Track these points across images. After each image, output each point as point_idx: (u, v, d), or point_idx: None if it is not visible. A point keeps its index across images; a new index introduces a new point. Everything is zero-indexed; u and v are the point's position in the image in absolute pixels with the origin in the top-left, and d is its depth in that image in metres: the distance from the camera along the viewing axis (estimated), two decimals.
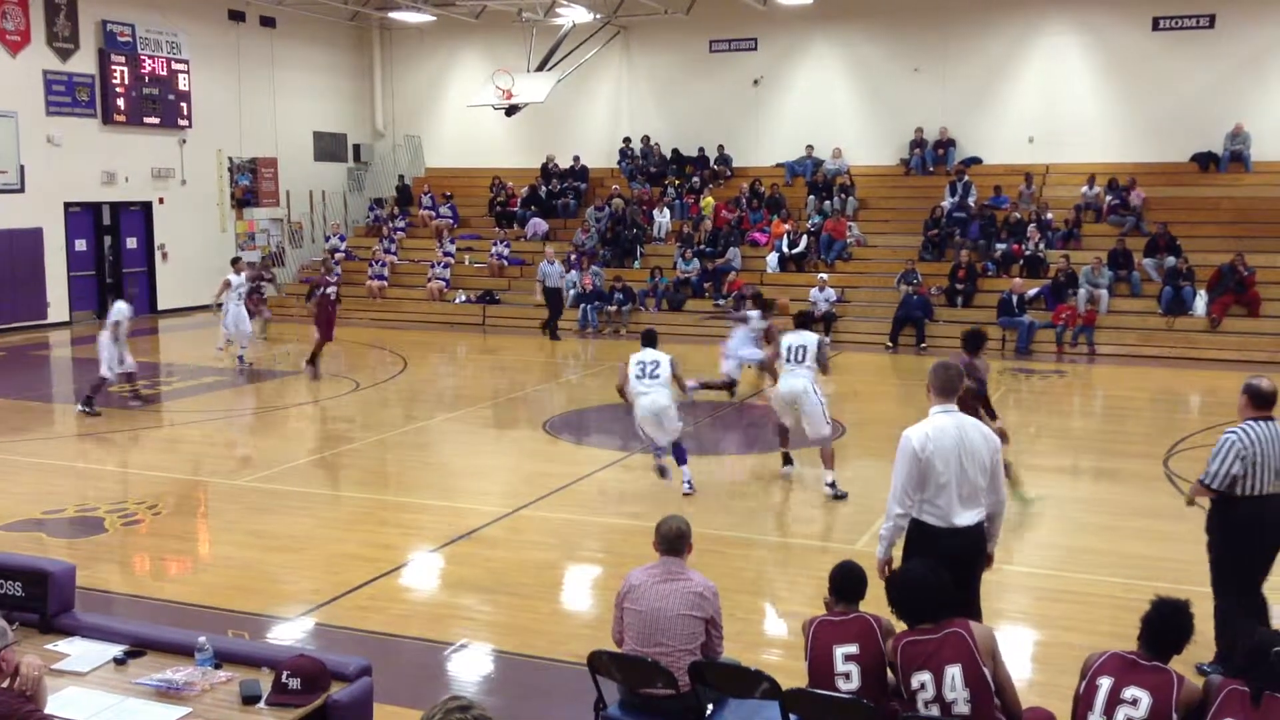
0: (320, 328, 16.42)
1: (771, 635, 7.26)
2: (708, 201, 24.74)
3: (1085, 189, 22.65)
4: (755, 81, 26.04)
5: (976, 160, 24.31)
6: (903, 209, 23.93)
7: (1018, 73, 24.09)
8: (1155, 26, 22.94)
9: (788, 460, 11.12)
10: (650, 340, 10.24)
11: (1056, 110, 23.71)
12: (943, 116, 24.53)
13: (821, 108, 25.49)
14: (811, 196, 24.16)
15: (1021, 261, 21.20)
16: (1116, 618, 6.77)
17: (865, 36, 25.12)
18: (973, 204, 22.78)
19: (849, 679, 4.58)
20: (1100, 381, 17.63)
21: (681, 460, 10.12)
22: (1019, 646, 6.80)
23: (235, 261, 17.86)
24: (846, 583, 4.89)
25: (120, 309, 13.95)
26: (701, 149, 26.46)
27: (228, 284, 17.18)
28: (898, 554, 5.64)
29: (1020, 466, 11.67)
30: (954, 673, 4.35)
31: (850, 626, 4.69)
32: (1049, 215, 22.11)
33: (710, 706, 4.97)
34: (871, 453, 12.13)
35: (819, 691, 4.57)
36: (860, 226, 23.47)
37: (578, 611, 7.82)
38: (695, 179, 25.71)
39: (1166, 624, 4.24)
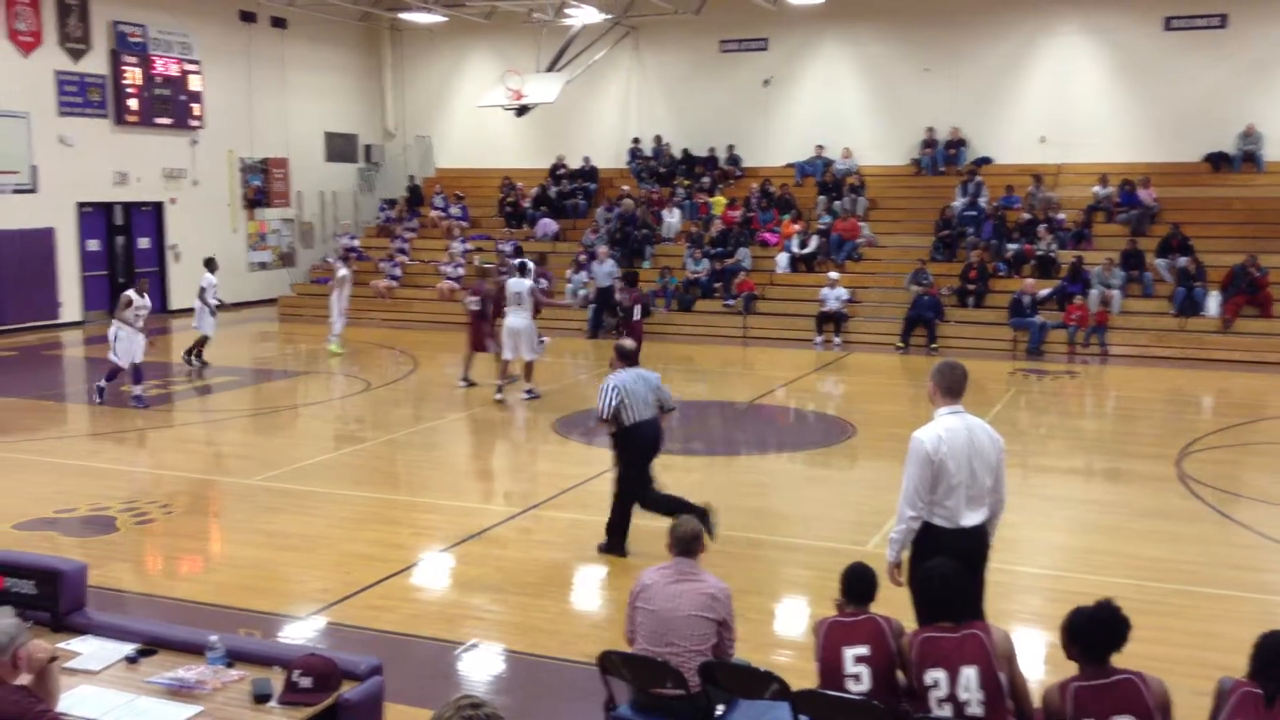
0: (474, 339, 15.69)
1: (782, 636, 7.26)
2: (718, 201, 24.73)
3: (1097, 189, 22.58)
4: (765, 81, 26.02)
5: (988, 160, 24.26)
6: (913, 209, 23.89)
7: (1029, 72, 24.04)
8: (1167, 26, 22.86)
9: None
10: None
11: (1068, 110, 23.64)
12: (954, 116, 24.49)
13: (832, 107, 25.47)
14: (822, 196, 24.12)
15: (1033, 262, 21.14)
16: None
17: (876, 36, 25.08)
18: (984, 204, 22.73)
19: (859, 680, 4.57)
20: (1112, 382, 17.58)
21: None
22: (1028, 648, 6.78)
23: (209, 262, 17.65)
24: (857, 584, 4.88)
25: (132, 296, 14.31)
26: (711, 149, 26.45)
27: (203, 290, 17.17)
28: (905, 555, 5.63)
29: (1032, 469, 11.67)
30: (969, 674, 4.34)
31: (861, 628, 4.68)
32: (1060, 215, 22.05)
33: (721, 707, 4.96)
34: (881, 454, 12.11)
35: (829, 692, 4.56)
36: (871, 226, 23.44)
37: (588, 611, 7.83)
38: (705, 179, 25.71)
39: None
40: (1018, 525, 9.30)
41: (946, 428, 5.48)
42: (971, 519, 5.49)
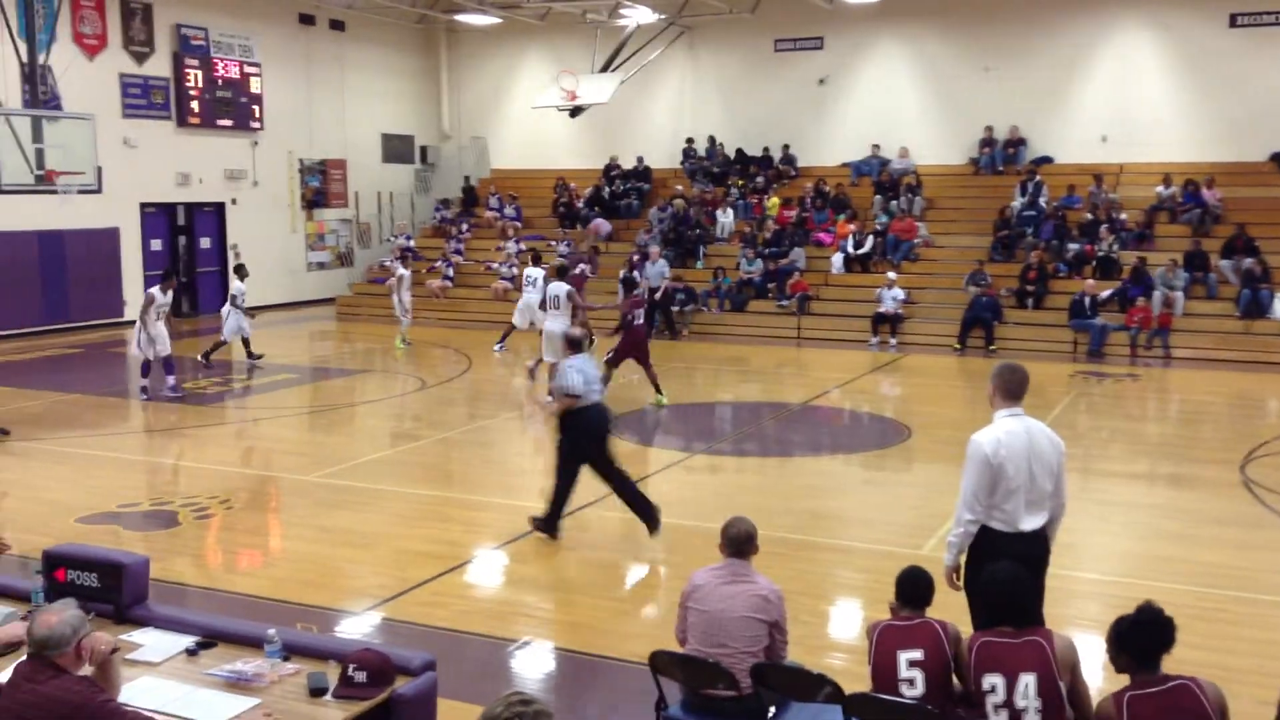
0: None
1: (835, 639, 7.21)
2: (772, 201, 24.63)
3: (1160, 189, 22.17)
4: (821, 81, 25.86)
5: (1048, 160, 23.91)
6: (971, 209, 23.61)
7: (1090, 70, 23.65)
8: (1232, 23, 22.37)
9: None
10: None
11: (1130, 109, 23.23)
12: (1013, 115, 24.15)
13: (888, 106, 25.25)
14: (878, 196, 23.94)
15: (1094, 262, 20.81)
16: (1189, 626, 6.58)
17: (933, 35, 24.83)
18: (1044, 204, 22.41)
19: (913, 685, 4.51)
20: (1175, 386, 17.25)
21: None
22: (1088, 654, 6.66)
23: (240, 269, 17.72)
24: (913, 587, 4.83)
25: (155, 294, 14.75)
26: (766, 149, 26.35)
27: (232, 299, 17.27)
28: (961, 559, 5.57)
29: (1093, 473, 11.48)
30: (1028, 681, 4.26)
31: (916, 632, 4.63)
32: (1122, 215, 21.68)
33: (772, 709, 4.93)
34: (938, 456, 11.98)
35: (883, 696, 4.52)
36: (927, 226, 23.21)
37: (640, 611, 7.82)
38: (759, 179, 25.61)
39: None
40: (1077, 530, 9.16)
41: (1006, 430, 5.41)
42: (1031, 523, 5.41)
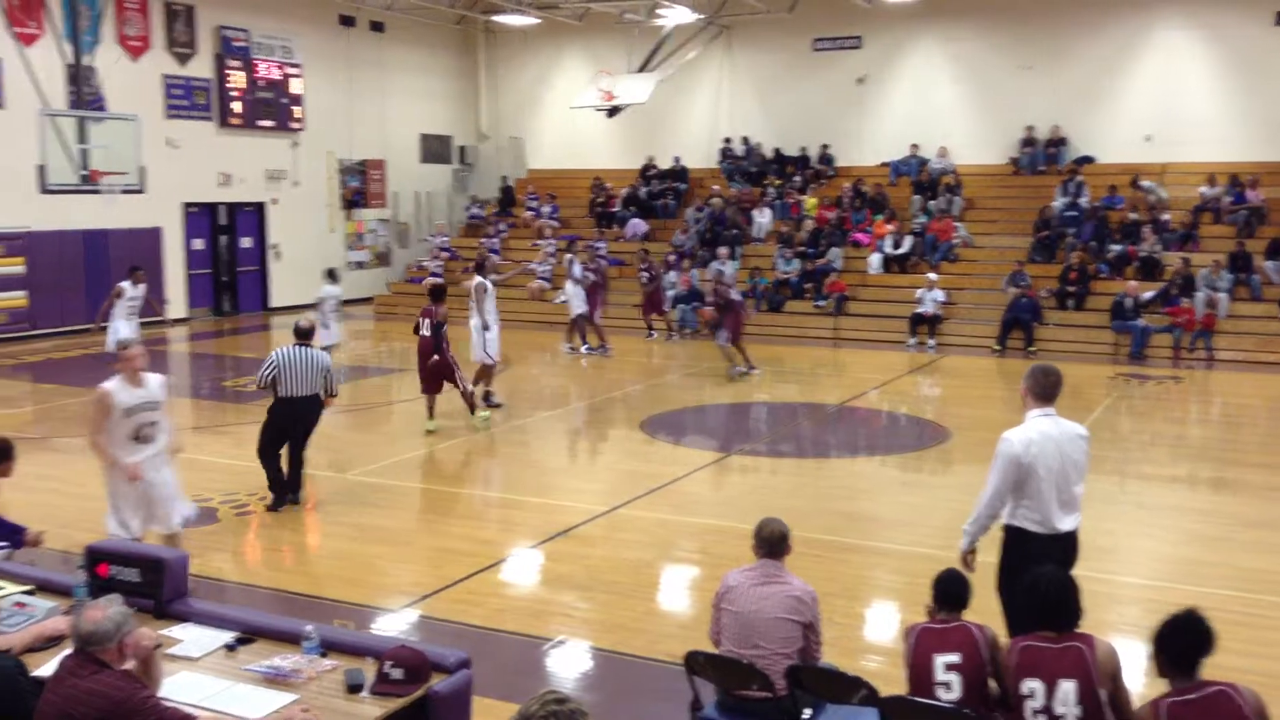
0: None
1: (871, 641, 7.17)
2: (810, 201, 24.53)
3: (1204, 189, 21.86)
4: (859, 80, 25.73)
5: (1089, 159, 23.65)
6: (1011, 209, 23.41)
7: (1133, 69, 23.37)
8: (1278, 21, 22.03)
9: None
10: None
11: (1173, 108, 22.92)
12: (1054, 114, 23.91)
13: (927, 106, 25.08)
14: (916, 196, 23.79)
15: (1136, 263, 20.56)
16: (1230, 631, 6.48)
17: (973, 33, 24.63)
18: (1085, 204, 22.17)
19: (950, 688, 4.48)
20: (1218, 388, 17.01)
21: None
22: (1128, 660, 6.58)
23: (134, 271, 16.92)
24: (950, 590, 4.79)
25: (124, 287, 15.22)
26: (803, 148, 26.26)
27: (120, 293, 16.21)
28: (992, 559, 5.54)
29: (1133, 476, 11.34)
30: (1068, 688, 4.21)
31: (952, 635, 4.59)
32: (1165, 216, 21.41)
33: (808, 711, 4.91)
34: (977, 458, 11.86)
35: (919, 699, 4.49)
36: (967, 227, 23.03)
37: (674, 611, 7.82)
38: (797, 179, 25.52)
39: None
40: (1117, 534, 9.06)
41: (1039, 431, 5.44)
42: (1067, 524, 5.45)
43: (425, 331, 12.58)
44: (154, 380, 7.43)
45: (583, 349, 19.03)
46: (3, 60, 19.24)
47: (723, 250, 22.58)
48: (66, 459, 11.86)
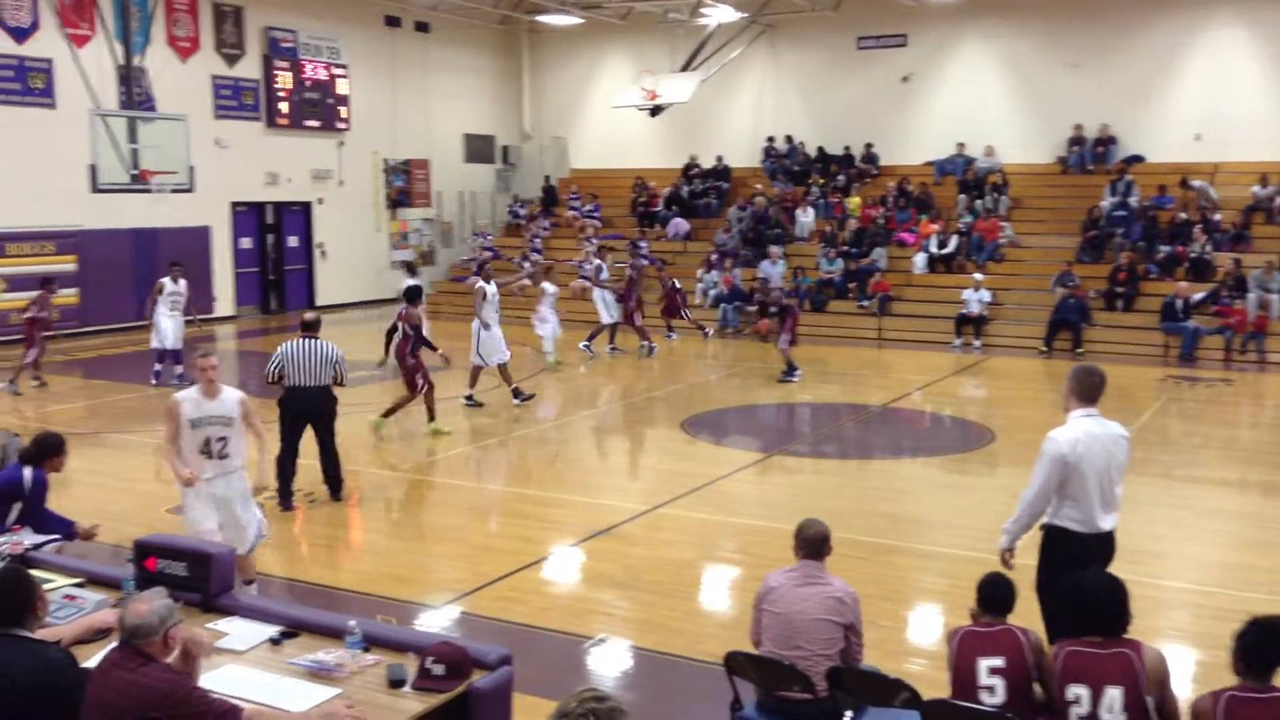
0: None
1: (914, 644, 7.10)
2: (853, 201, 24.39)
3: (1256, 189, 21.47)
4: (904, 78, 25.55)
5: (1139, 158, 23.32)
6: (1059, 208, 23.13)
7: (1183, 67, 23.00)
8: None
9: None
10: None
11: (1225, 106, 22.53)
12: (1103, 113, 23.59)
13: (973, 104, 24.84)
14: (962, 195, 23.57)
15: (1186, 264, 20.24)
16: None
17: (1020, 31, 24.37)
18: (1134, 204, 21.86)
19: (993, 692, 4.43)
20: (1270, 391, 16.70)
21: None
22: (1176, 666, 6.48)
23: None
24: (994, 594, 4.73)
25: (164, 283, 15.58)
26: (847, 147, 26.10)
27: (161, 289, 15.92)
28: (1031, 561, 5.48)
29: (1182, 480, 11.16)
30: (1114, 695, 4.14)
31: (997, 639, 4.54)
32: (1216, 216, 21.05)
33: (849, 713, 4.88)
34: (1022, 461, 11.68)
35: (962, 703, 4.44)
36: (1013, 226, 22.79)
37: (715, 611, 7.80)
38: (840, 178, 25.38)
39: None
40: (1166, 538, 8.93)
41: (1084, 430, 5.45)
42: (1108, 523, 5.48)
43: (398, 335, 12.55)
44: (230, 395, 7.16)
45: (606, 350, 18.87)
46: (55, 61, 19.60)
47: (774, 250, 22.48)
48: (117, 454, 12.06)
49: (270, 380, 9.61)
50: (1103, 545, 5.48)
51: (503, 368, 14.29)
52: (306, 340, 9.63)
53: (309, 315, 10.17)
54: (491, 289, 14.52)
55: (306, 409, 9.61)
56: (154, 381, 15.57)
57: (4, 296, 19.56)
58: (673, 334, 20.73)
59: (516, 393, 14.18)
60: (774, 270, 21.64)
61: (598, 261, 19.88)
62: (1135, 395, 15.23)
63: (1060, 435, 5.45)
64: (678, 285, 20.36)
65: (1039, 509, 5.53)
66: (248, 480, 7.34)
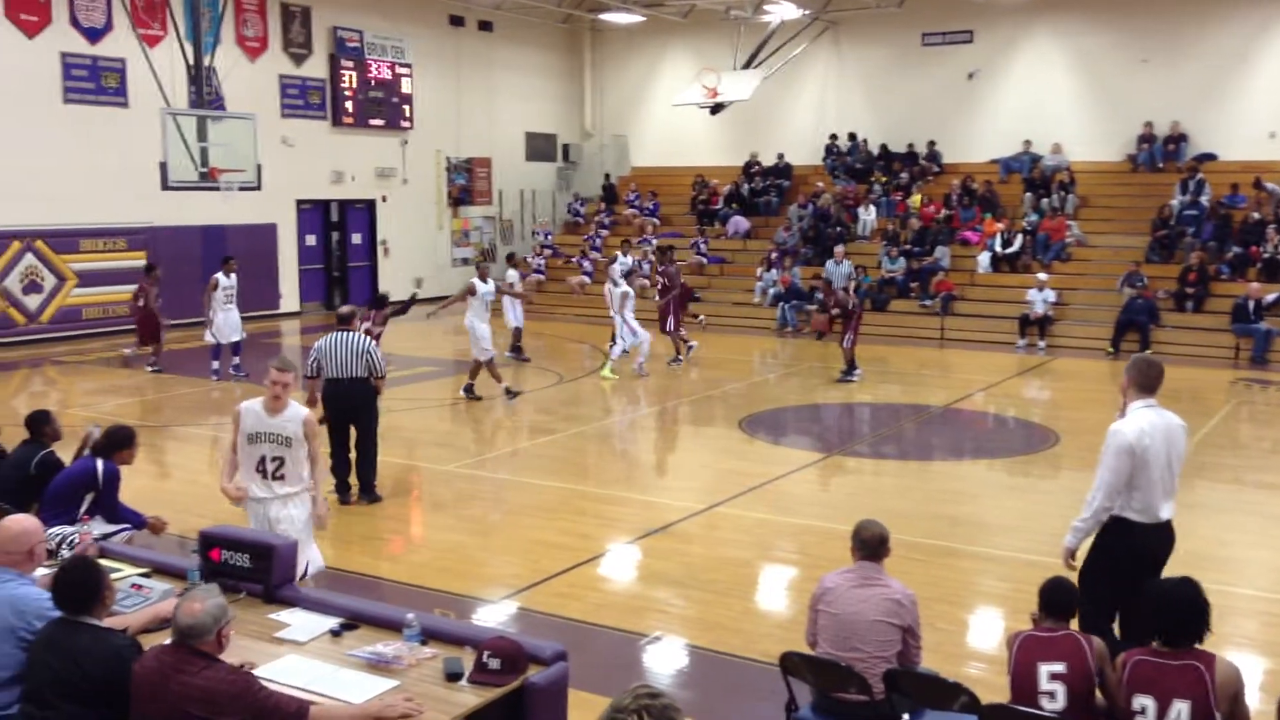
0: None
1: (973, 648, 7.01)
2: (916, 199, 24.14)
3: None
4: (970, 75, 25.23)
5: (1211, 156, 22.78)
6: (1128, 207, 22.69)
7: (1257, 63, 22.43)
8: None
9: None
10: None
11: None
12: (1173, 110, 23.08)
13: (1041, 101, 24.45)
14: (1028, 194, 23.22)
15: (1259, 265, 19.75)
16: None
17: (1089, 26, 23.94)
18: (1205, 203, 21.38)
19: (1054, 698, 4.36)
20: None
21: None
22: (1249, 676, 6.33)
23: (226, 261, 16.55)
24: (1057, 598, 4.66)
25: (218, 278, 15.87)
26: (910, 145, 25.84)
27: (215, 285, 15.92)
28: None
29: (1252, 485, 10.90)
30: (1181, 708, 4.04)
31: (1058, 644, 4.47)
32: None
33: (906, 716, 4.83)
34: (1087, 464, 11.43)
35: (1021, 708, 4.37)
36: (1080, 225, 22.40)
37: (771, 611, 7.77)
38: (903, 175, 25.12)
39: None
40: (1235, 544, 8.74)
41: (1148, 421, 5.47)
42: (1166, 512, 5.51)
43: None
44: (294, 414, 6.62)
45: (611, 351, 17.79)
46: (128, 61, 20.02)
47: (839, 249, 22.31)
48: (184, 447, 12.31)
49: (309, 375, 9.66)
50: (1162, 535, 5.53)
51: (489, 363, 14.66)
52: (340, 333, 9.74)
53: (344, 308, 10.32)
54: (485, 287, 15.01)
55: (342, 401, 9.69)
56: (215, 378, 15.89)
57: (76, 292, 20.05)
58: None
59: (469, 389, 14.65)
60: (838, 270, 21.45)
61: (629, 259, 19.27)
62: (1205, 398, 14.89)
63: (1125, 427, 5.47)
64: (696, 295, 20.21)
65: (1111, 503, 5.51)
66: (308, 507, 6.84)
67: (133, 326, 17.68)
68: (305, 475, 6.74)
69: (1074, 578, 7.08)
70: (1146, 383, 5.58)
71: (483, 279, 15.21)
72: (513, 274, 18.26)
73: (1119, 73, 23.66)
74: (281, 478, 6.65)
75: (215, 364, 16.04)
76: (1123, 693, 4.20)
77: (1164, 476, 5.46)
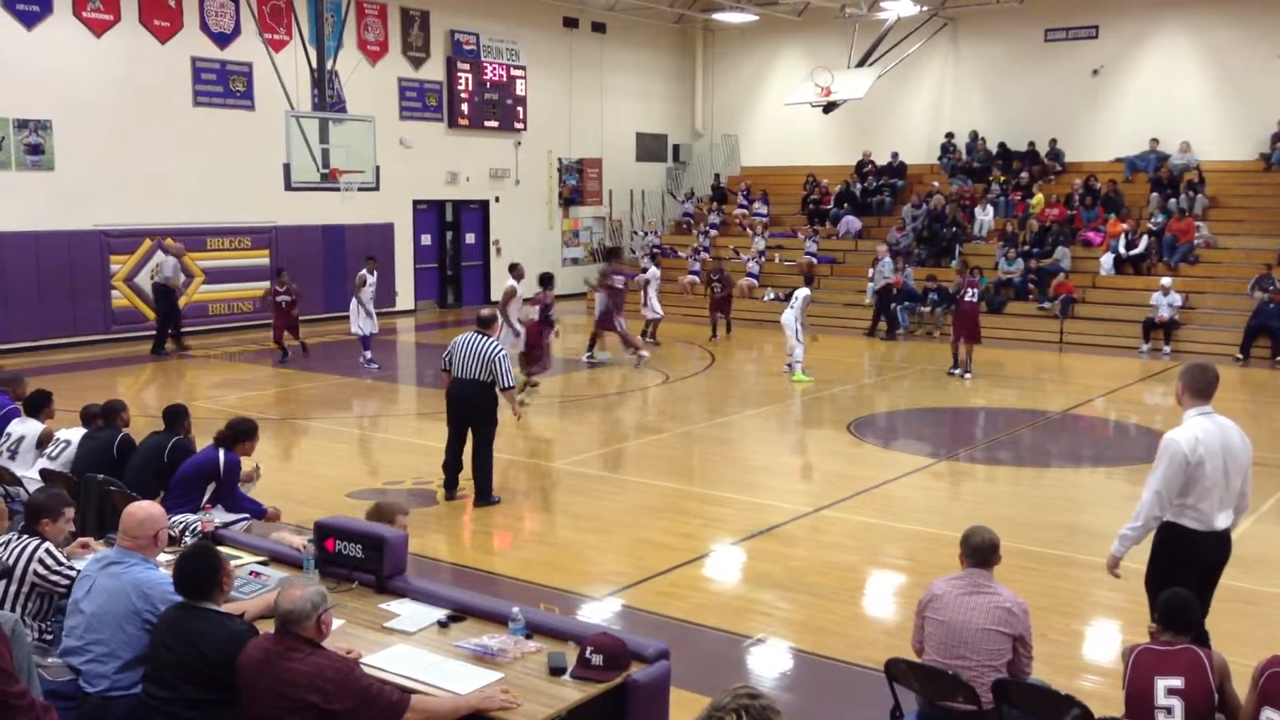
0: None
1: (1088, 660, 6.81)
2: (1036, 198, 23.52)
3: None
4: (1094, 71, 24.49)
5: None
6: (1261, 208, 21.77)
7: None
8: None
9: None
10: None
11: None
12: None
13: (1168, 98, 23.61)
14: (1154, 194, 22.44)
15: None
16: None
17: (1220, 20, 23.02)
18: None
19: (1171, 713, 4.21)
20: None
21: None
22: None
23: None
24: (1177, 612, 4.50)
25: (365, 275, 17.00)
26: (1031, 143, 25.20)
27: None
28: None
29: None
30: None
31: (1176, 658, 4.31)
32: None
33: None
34: None
35: None
36: (1210, 227, 21.56)
37: (876, 617, 7.65)
38: (1023, 175, 24.51)
39: None
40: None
41: (1202, 429, 5.41)
42: (1224, 521, 5.44)
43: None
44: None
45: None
46: (255, 65, 20.72)
47: (881, 249, 22.29)
48: (303, 439, 12.68)
49: (443, 368, 9.90)
50: (1218, 544, 5.48)
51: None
52: (475, 335, 9.84)
53: (484, 311, 10.44)
54: (655, 270, 15.12)
55: (459, 400, 9.78)
56: (374, 366, 16.87)
57: (204, 288, 20.80)
58: (716, 335, 20.56)
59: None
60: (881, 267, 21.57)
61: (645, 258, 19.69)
62: None
63: (1179, 435, 5.41)
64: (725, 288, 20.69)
65: (1160, 512, 5.49)
66: None
67: (269, 322, 18.47)
68: None
69: (1118, 586, 6.88)
70: (1201, 389, 5.51)
71: (519, 279, 15.82)
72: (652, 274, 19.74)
73: (1251, 68, 22.70)
74: None
75: (367, 353, 17.00)
76: (1254, 703, 4.03)
77: (1219, 485, 5.38)
